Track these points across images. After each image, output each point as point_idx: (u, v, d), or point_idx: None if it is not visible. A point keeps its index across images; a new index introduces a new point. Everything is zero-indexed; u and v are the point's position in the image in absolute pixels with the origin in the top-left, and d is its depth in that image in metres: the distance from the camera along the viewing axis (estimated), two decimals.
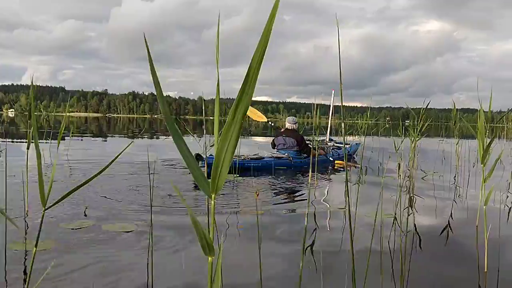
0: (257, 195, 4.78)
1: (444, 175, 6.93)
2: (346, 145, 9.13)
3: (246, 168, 6.57)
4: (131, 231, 3.33)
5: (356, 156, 9.61)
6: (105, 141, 16.20)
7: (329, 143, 8.83)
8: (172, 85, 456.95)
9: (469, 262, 2.91)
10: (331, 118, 9.83)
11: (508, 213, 4.45)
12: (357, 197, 3.79)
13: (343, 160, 7.76)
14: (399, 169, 7.10)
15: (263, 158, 7.09)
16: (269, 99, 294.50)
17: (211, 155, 5.28)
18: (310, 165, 4.35)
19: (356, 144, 9.45)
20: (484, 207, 1.96)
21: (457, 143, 7.77)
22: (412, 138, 6.65)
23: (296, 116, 9.70)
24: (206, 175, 0.82)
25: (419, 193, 5.40)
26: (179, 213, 4.00)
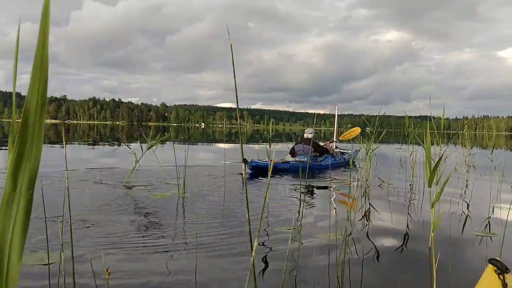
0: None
1: (399, 186, 7.04)
2: (346, 152, 9.85)
3: (279, 170, 8.31)
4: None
5: (355, 161, 10.29)
6: (62, 148, 15.68)
7: (335, 150, 10.35)
8: (134, 91, 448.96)
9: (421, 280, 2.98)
10: (336, 128, 11.44)
11: (464, 225, 4.58)
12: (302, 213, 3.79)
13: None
14: (355, 177, 7.22)
15: (289, 162, 8.67)
16: (234, 106, 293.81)
17: (252, 160, 8.00)
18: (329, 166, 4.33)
19: (356, 151, 10.23)
20: (432, 234, 1.98)
21: (411, 154, 7.97)
22: (367, 147, 6.75)
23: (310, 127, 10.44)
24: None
25: (374, 204, 5.49)
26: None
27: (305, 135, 9.71)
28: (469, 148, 9.62)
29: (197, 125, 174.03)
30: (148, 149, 5.74)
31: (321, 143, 9.97)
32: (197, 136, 37.17)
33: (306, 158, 8.73)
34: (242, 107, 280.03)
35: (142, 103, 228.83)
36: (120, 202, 4.89)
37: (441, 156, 2.16)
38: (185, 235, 3.63)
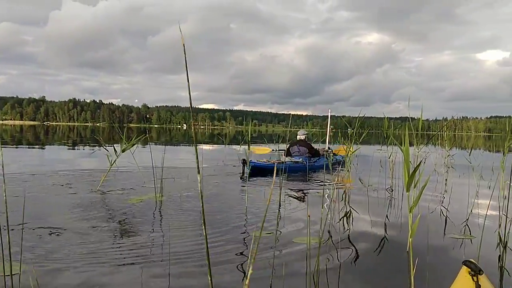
0: None
1: (379, 187, 7.03)
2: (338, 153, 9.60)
3: (276, 170, 7.69)
4: None
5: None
6: (43, 149, 15.37)
7: (328, 151, 10.57)
8: (115, 92, 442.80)
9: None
10: (329, 131, 11.69)
11: (444, 227, 4.57)
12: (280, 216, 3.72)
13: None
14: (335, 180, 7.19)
15: (285, 162, 8.61)
16: (216, 107, 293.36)
17: (251, 160, 7.53)
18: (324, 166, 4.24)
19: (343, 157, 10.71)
20: (410, 239, 1.93)
21: (390, 156, 7.99)
22: (347, 148, 6.74)
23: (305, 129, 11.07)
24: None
25: (354, 207, 5.46)
26: None
27: (298, 136, 10.01)
28: (448, 149, 9.69)
29: (179, 126, 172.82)
30: (123, 151, 5.58)
31: (319, 148, 10.28)
32: (179, 137, 36.87)
33: (301, 159, 9.15)
34: (225, 108, 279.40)
35: (123, 104, 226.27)
36: (92, 207, 4.73)
37: (420, 163, 2.10)
38: (158, 245, 3.46)
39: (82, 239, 3.48)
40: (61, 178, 6.79)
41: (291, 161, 9.03)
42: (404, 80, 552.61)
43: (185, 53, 0.96)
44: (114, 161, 5.77)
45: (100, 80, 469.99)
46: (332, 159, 9.58)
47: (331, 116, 12.09)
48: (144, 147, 16.59)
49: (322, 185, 7.27)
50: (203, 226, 1.01)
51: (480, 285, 1.87)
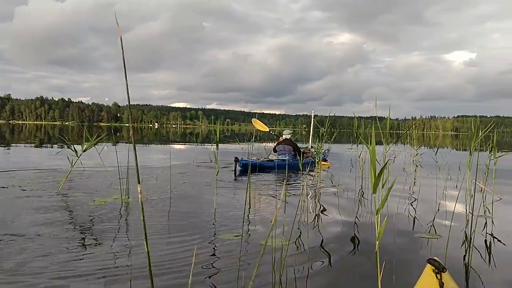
0: None
1: (348, 187, 7.05)
2: (323, 151, 9.10)
3: (264, 167, 9.02)
4: None
5: (328, 159, 11.59)
6: (8, 149, 14.80)
7: (311, 150, 11.00)
8: (85, 91, 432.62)
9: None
10: (312, 130, 12.27)
11: (412, 226, 4.59)
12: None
13: (324, 161, 10.31)
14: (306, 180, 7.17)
15: (273, 160, 9.29)
16: (188, 106, 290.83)
17: (242, 158, 8.63)
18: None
19: (328, 150, 11.62)
20: (377, 242, 1.89)
21: (360, 155, 8.04)
22: (318, 146, 6.73)
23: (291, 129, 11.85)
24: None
25: (325, 207, 5.44)
26: None
27: (284, 136, 10.52)
28: (416, 148, 9.84)
29: (151, 125, 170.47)
30: (84, 151, 5.37)
31: (304, 149, 10.85)
32: (150, 136, 36.33)
33: (287, 157, 9.59)
34: (197, 107, 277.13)
35: (93, 102, 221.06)
36: (50, 210, 4.51)
37: (386, 163, 2.05)
38: (119, 253, 3.29)
39: (34, 247, 3.24)
40: (21, 179, 6.51)
41: (279, 159, 9.36)
42: (374, 80, 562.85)
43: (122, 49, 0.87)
44: (75, 162, 5.53)
45: (69, 78, 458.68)
46: (308, 159, 10.43)
47: (314, 116, 12.81)
48: (115, 146, 16.26)
49: (296, 184, 7.24)
50: (145, 240, 0.91)
51: (443, 283, 1.90)
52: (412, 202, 5.75)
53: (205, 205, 5.08)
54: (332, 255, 3.34)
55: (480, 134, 4.47)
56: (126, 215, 4.52)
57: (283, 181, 7.37)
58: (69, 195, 5.42)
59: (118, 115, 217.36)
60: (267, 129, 11.22)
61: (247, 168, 8.51)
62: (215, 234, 3.81)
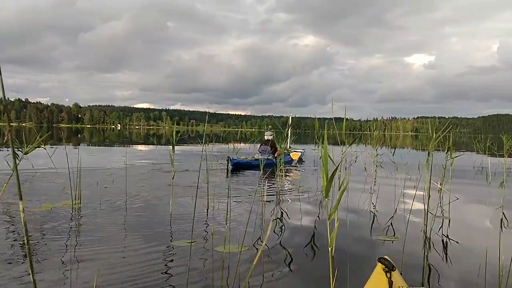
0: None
1: (311, 188, 7.02)
2: (299, 150, 11.61)
3: (252, 166, 9.84)
4: None
5: (303, 158, 12.88)
6: None
7: (289, 149, 12.31)
8: (44, 91, 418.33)
9: None
10: (290, 132, 12.76)
11: (372, 225, 4.55)
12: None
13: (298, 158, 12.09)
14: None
15: (258, 160, 9.91)
16: (152, 106, 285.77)
17: (234, 157, 9.62)
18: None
19: (303, 150, 13.27)
20: (330, 248, 1.79)
21: (320, 157, 8.02)
22: (280, 149, 6.66)
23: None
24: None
25: (286, 209, 5.36)
26: None
27: (265, 137, 11.49)
28: (375, 148, 9.96)
29: (113, 126, 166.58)
30: (26, 154, 5.02)
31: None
32: (113, 138, 35.42)
33: (271, 156, 10.52)
34: (161, 108, 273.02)
35: (52, 103, 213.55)
36: None
37: (338, 166, 1.96)
38: (62, 269, 3.11)
39: None
40: None
41: (264, 159, 9.68)
42: (338, 82, 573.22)
43: None
44: (17, 165, 5.16)
45: (27, 78, 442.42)
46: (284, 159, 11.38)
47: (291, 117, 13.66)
48: (75, 148, 15.66)
49: (267, 186, 7.12)
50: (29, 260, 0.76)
51: (392, 281, 1.94)
52: (372, 203, 5.76)
53: (161, 210, 4.88)
54: (288, 259, 3.24)
55: (437, 135, 4.50)
56: (71, 224, 4.16)
57: (257, 182, 7.25)
58: (11, 201, 5.01)
59: (80, 116, 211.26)
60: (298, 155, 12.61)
61: (238, 167, 9.58)
62: (170, 241, 3.63)
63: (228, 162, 9.49)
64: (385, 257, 2.07)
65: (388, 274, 1.98)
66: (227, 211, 3.82)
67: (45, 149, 5.08)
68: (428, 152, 4.25)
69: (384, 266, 2.02)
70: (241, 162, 9.78)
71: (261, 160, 9.71)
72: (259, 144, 11.73)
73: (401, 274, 2.88)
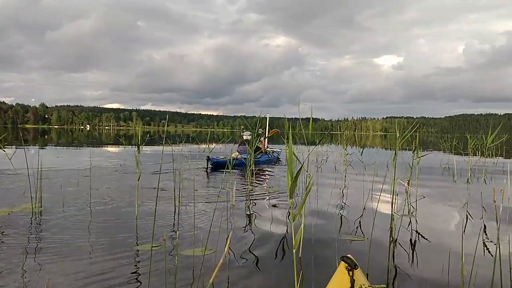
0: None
1: (282, 188, 6.99)
2: (276, 150, 12.40)
3: (236, 164, 9.86)
4: None
5: (280, 157, 13.16)
6: None
7: (267, 149, 12.70)
8: (7, 91, 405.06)
9: None
10: (268, 132, 13.07)
11: (341, 225, 4.55)
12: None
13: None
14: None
15: (237, 159, 10.23)
16: (122, 106, 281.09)
17: (214, 157, 9.69)
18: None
19: (280, 149, 13.66)
20: (294, 250, 1.75)
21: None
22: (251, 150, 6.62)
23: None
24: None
25: (256, 211, 5.31)
26: None
27: (244, 137, 11.78)
28: (345, 148, 10.05)
29: (82, 127, 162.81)
30: None
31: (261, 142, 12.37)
32: (81, 139, 34.57)
33: (248, 156, 10.62)
34: (131, 108, 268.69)
35: (17, 103, 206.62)
36: None
37: (301, 168, 1.92)
38: (23, 274, 2.95)
39: None
40: None
41: (242, 158, 10.27)
42: (309, 83, 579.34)
43: None
44: None
45: None
46: (271, 156, 12.54)
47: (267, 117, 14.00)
48: (43, 149, 15.16)
49: (238, 187, 7.04)
50: None
51: (354, 280, 1.97)
52: (342, 203, 5.77)
53: (126, 213, 4.73)
54: (255, 262, 3.19)
55: (404, 135, 4.55)
56: (31, 229, 3.98)
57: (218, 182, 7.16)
58: None
59: (46, 116, 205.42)
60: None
61: (217, 166, 9.83)
62: (136, 244, 3.52)
63: (207, 162, 9.73)
64: (348, 255, 2.11)
65: (351, 273, 2.01)
66: (193, 214, 3.74)
67: (3, 150, 4.87)
68: (395, 152, 4.27)
69: (347, 265, 2.04)
70: (221, 162, 9.88)
71: (243, 159, 10.11)
72: (238, 144, 12.00)
73: (367, 274, 2.88)
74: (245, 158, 10.48)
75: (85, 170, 8.37)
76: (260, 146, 12.16)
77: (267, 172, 9.77)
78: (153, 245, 3.36)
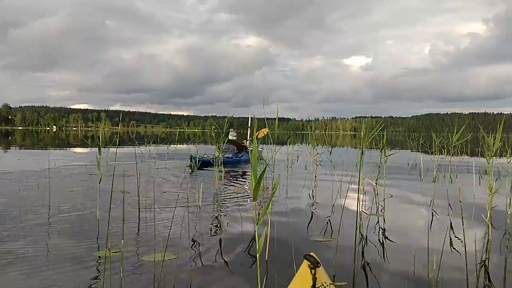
0: None
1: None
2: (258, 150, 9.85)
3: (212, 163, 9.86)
4: None
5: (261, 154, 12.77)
6: None
7: (250, 148, 12.57)
8: None
9: None
10: (250, 132, 13.31)
11: (309, 226, 4.50)
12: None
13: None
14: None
15: (224, 157, 10.67)
16: (90, 107, 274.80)
17: (194, 156, 9.82)
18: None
19: (261, 149, 13.21)
20: (257, 255, 1.68)
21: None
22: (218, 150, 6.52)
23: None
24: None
25: (223, 213, 5.21)
26: None
27: (229, 137, 12.30)
28: (314, 147, 10.07)
29: (48, 128, 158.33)
30: None
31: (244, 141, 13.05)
32: (47, 140, 33.53)
33: (231, 155, 11.62)
34: (99, 109, 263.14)
35: None
36: None
37: (264, 170, 1.83)
38: None
39: None
40: None
41: (225, 156, 10.66)
42: (280, 83, 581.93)
43: None
44: None
45: None
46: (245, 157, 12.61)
47: (251, 118, 14.31)
48: (6, 152, 14.61)
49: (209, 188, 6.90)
50: None
51: (316, 278, 1.98)
52: (311, 203, 5.74)
53: (88, 218, 4.53)
54: (221, 265, 3.08)
55: (370, 134, 4.55)
56: None
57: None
58: None
59: (10, 117, 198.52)
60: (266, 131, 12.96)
61: (202, 164, 10.06)
62: (97, 250, 3.35)
63: (191, 160, 10.11)
64: (311, 254, 2.10)
65: (313, 271, 2.02)
66: (154, 217, 3.60)
67: None
68: (362, 151, 4.25)
69: (309, 263, 2.05)
70: (204, 161, 10.07)
71: (227, 158, 10.81)
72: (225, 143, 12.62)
73: (334, 275, 2.83)
74: (228, 157, 11.22)
75: (47, 173, 8.05)
76: (245, 143, 12.86)
77: (247, 172, 9.72)
78: (112, 251, 3.21)
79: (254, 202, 1.86)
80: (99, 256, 3.19)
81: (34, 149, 19.12)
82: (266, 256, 3.17)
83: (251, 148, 13.03)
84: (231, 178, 8.29)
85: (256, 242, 1.79)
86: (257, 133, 13.23)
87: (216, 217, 4.74)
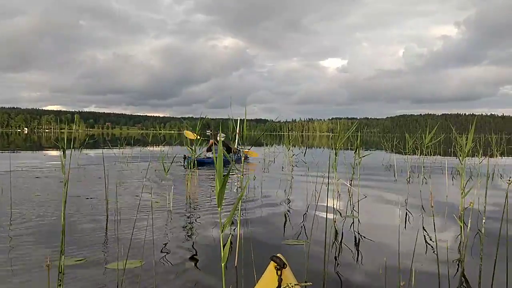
0: None
1: (228, 192, 6.82)
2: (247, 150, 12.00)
3: (204, 163, 11.18)
4: None
5: (248, 156, 13.41)
6: None
7: (238, 148, 13.26)
8: None
9: None
10: (239, 133, 13.29)
11: (284, 229, 4.43)
12: None
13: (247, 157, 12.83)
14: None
15: (210, 157, 11.62)
16: (63, 109, 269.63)
17: (185, 155, 10.48)
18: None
19: (248, 149, 13.81)
20: (222, 264, 1.59)
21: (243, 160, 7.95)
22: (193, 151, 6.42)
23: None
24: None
25: (196, 216, 5.10)
26: None
27: (218, 138, 12.34)
28: (289, 149, 10.05)
29: (19, 130, 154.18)
30: None
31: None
32: (18, 142, 32.59)
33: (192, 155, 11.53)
34: (73, 110, 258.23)
35: None
36: None
37: (227, 174, 1.73)
38: None
39: None
40: None
41: (212, 157, 11.12)
42: (258, 84, 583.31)
43: None
44: None
45: None
46: (240, 156, 12.70)
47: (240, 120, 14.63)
48: None
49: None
50: None
51: (282, 279, 1.98)
52: (285, 205, 5.67)
53: (53, 225, 4.33)
54: (189, 272, 2.97)
55: (345, 135, 4.53)
56: None
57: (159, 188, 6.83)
58: None
59: None
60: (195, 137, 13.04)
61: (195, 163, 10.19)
62: (60, 258, 3.18)
63: (184, 160, 10.74)
64: (278, 255, 2.09)
65: (279, 272, 2.01)
66: (119, 224, 3.46)
67: None
68: (336, 152, 4.22)
69: (276, 264, 2.04)
70: (197, 160, 10.05)
71: (212, 158, 11.16)
72: (208, 145, 13.01)
73: (306, 281, 2.76)
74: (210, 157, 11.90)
75: (13, 176, 7.75)
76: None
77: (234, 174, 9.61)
78: (76, 260, 3.06)
79: (219, 209, 1.76)
80: (62, 265, 3.03)
81: (2, 152, 18.53)
82: (236, 262, 3.07)
83: (239, 148, 13.32)
84: (209, 180, 8.16)
85: (221, 250, 1.69)
86: (250, 153, 13.81)
87: (188, 222, 4.62)
